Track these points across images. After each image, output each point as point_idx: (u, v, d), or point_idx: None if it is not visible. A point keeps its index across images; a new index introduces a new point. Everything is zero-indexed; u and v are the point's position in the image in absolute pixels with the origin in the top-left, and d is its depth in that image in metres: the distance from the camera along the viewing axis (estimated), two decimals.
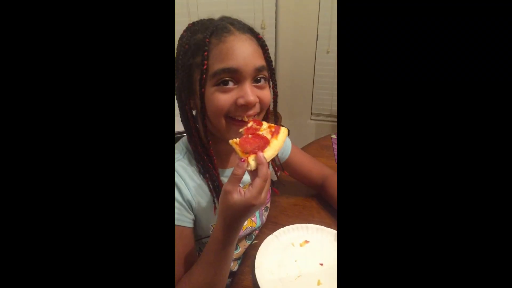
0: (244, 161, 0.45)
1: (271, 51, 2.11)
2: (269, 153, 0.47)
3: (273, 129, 0.50)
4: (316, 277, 0.60)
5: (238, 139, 0.49)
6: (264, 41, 0.55)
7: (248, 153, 0.47)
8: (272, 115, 0.60)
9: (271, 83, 0.57)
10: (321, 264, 0.63)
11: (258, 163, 0.45)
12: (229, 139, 0.49)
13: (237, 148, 0.48)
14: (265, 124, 0.52)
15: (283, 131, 0.50)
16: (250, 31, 0.54)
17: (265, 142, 0.48)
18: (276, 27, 1.99)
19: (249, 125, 0.51)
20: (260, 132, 0.50)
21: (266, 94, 0.55)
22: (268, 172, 0.46)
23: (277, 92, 0.59)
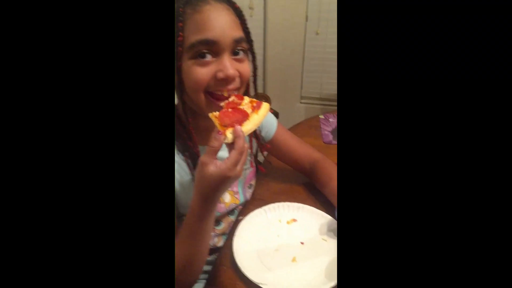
0: (221, 133, 0.45)
1: (260, 32, 2.07)
2: (247, 127, 0.47)
3: (254, 104, 0.50)
4: (293, 254, 0.60)
5: (217, 112, 0.48)
6: (241, 11, 0.53)
7: (226, 126, 0.47)
8: (252, 89, 0.59)
9: (250, 56, 0.55)
10: (302, 243, 0.63)
11: (235, 136, 0.45)
12: (207, 113, 0.48)
13: (216, 121, 0.47)
14: (246, 99, 0.51)
15: (265, 106, 0.50)
16: (226, 0, 0.51)
17: (244, 116, 0.48)
18: (264, 8, 1.95)
19: (230, 99, 0.51)
20: (241, 107, 0.50)
21: (246, 67, 0.53)
22: (244, 145, 0.46)
23: (256, 65, 0.57)
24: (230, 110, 0.49)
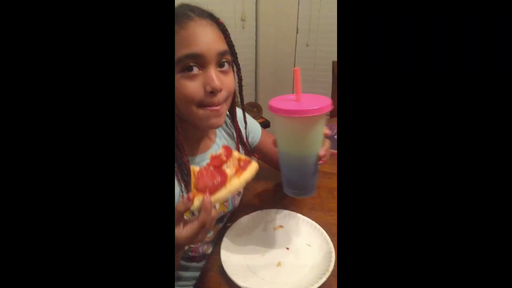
0: (189, 199, 0.43)
1: (252, 43, 2.13)
2: (220, 196, 0.44)
3: (241, 163, 0.47)
4: (278, 258, 0.63)
5: (198, 168, 0.46)
6: (224, 26, 0.56)
7: (198, 189, 0.44)
8: (237, 99, 0.62)
9: (235, 67, 0.58)
10: (287, 248, 0.65)
11: (202, 207, 0.43)
12: (207, 127, 0.49)
13: (193, 179, 0.45)
14: (235, 155, 0.48)
15: (251, 168, 0.47)
16: (210, 16, 0.55)
17: (222, 181, 0.44)
18: (256, 19, 2.00)
19: (217, 153, 0.48)
20: (226, 165, 0.47)
21: (230, 79, 0.56)
22: (210, 217, 0.43)
23: (241, 76, 0.61)
24: (211, 168, 0.46)
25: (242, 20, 1.96)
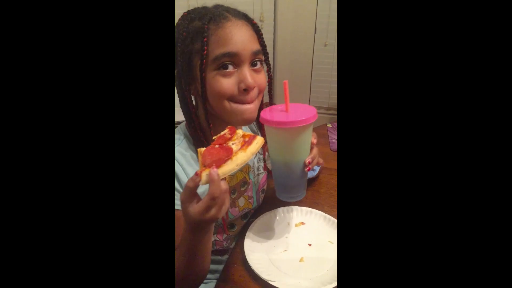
0: (197, 174, 0.44)
1: (270, 43, 2.14)
2: (226, 168, 0.44)
3: (246, 139, 0.48)
4: (301, 254, 0.64)
5: (203, 148, 0.47)
6: (258, 27, 0.58)
7: (206, 166, 0.45)
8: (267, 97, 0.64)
9: (265, 67, 0.60)
10: (310, 245, 0.66)
11: (209, 180, 0.43)
12: (240, 122, 0.53)
13: (199, 158, 0.46)
14: (239, 133, 0.50)
15: (257, 141, 0.47)
16: (245, 17, 0.57)
17: (228, 155, 0.45)
18: (274, 20, 2.01)
19: (222, 133, 0.50)
20: (232, 142, 0.48)
21: (262, 77, 0.59)
22: (219, 189, 0.44)
23: (271, 75, 0.63)
24: (216, 146, 0.47)
25: (261, 21, 1.98)
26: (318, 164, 0.62)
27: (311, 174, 0.81)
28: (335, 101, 2.22)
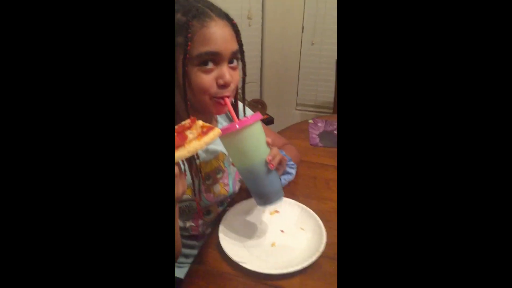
0: None
1: (258, 41, 2.16)
2: (179, 154, 0.48)
3: (204, 130, 0.52)
4: (273, 239, 0.67)
5: None
6: (237, 26, 0.62)
7: None
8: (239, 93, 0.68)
9: (240, 64, 0.65)
10: (282, 231, 0.70)
11: None
12: (215, 113, 0.57)
13: None
14: (199, 123, 0.53)
15: (213, 133, 0.52)
16: (226, 17, 0.61)
17: (182, 141, 0.49)
18: (262, 18, 2.04)
19: (182, 122, 0.54)
20: (190, 131, 0.52)
21: (237, 74, 0.63)
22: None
23: (245, 72, 0.67)
24: (175, 134, 0.51)
25: (249, 18, 2.00)
26: (281, 162, 0.64)
27: (288, 178, 0.84)
28: (322, 99, 2.26)
